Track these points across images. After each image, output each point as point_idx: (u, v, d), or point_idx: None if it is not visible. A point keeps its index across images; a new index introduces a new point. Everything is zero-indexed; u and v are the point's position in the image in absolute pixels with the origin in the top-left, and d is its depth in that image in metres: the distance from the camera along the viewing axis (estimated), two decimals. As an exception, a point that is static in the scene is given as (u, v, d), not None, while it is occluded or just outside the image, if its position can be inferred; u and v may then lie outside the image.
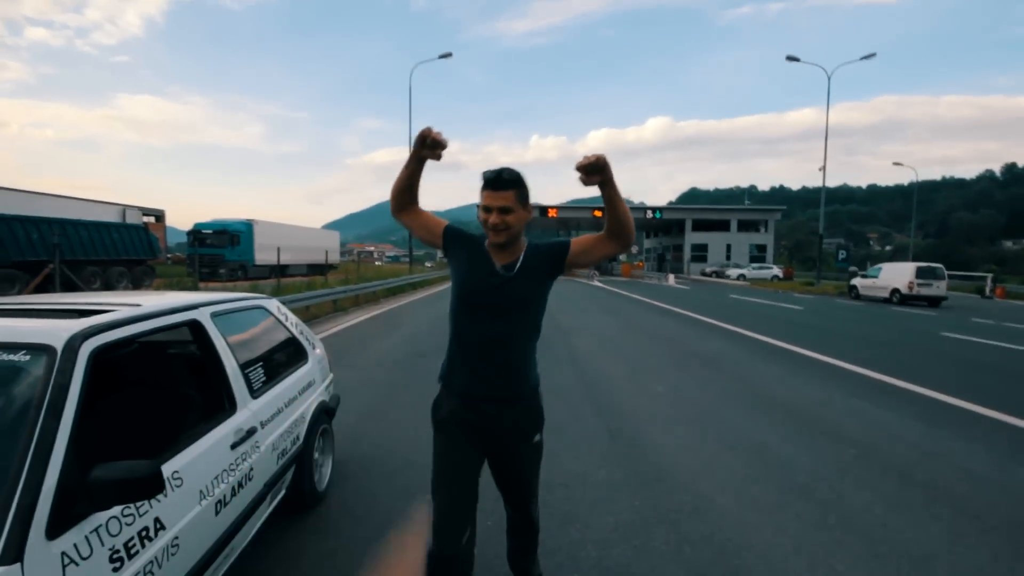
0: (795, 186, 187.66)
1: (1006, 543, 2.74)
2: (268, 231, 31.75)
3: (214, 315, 2.32)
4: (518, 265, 1.77)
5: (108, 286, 20.33)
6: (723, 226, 48.81)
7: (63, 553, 1.22)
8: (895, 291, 19.74)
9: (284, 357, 2.89)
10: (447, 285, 27.38)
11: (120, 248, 21.40)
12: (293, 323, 3.17)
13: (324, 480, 3.19)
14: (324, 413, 3.22)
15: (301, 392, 2.88)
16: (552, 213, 46.12)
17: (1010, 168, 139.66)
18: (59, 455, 1.29)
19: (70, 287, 8.54)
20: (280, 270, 32.08)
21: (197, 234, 29.69)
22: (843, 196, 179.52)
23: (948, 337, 10.90)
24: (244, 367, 2.34)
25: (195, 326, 2.17)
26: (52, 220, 18.58)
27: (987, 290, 26.15)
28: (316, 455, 3.08)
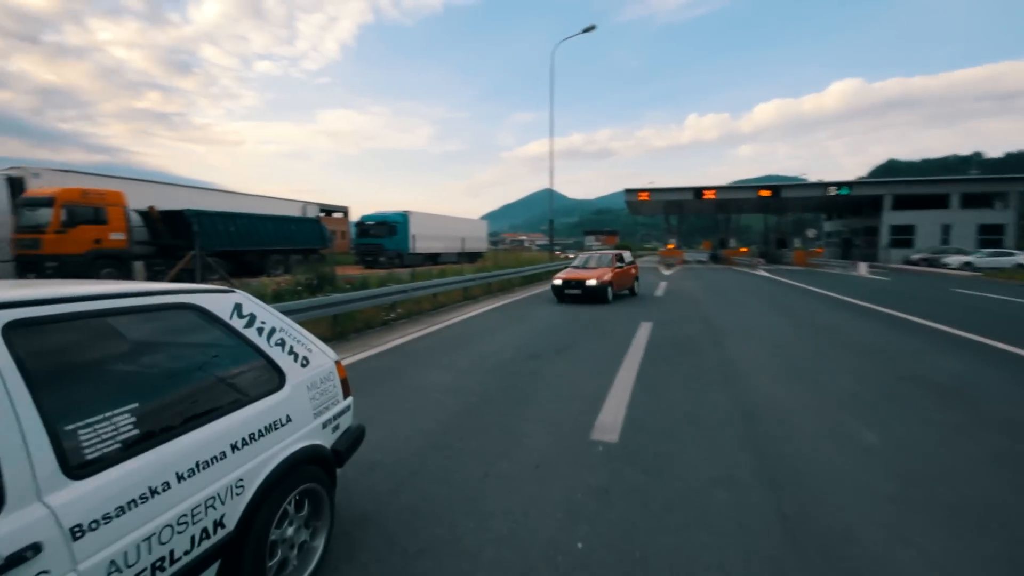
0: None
1: None
2: (422, 221, 33.52)
3: (12, 326, 1.30)
4: None
5: (288, 272, 23.02)
6: (938, 202, 38.92)
7: None
8: None
9: (218, 386, 1.84)
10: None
11: (298, 239, 24.12)
12: (265, 329, 2.12)
13: (306, 570, 2.11)
14: (313, 463, 2.14)
15: (248, 442, 1.81)
16: (708, 195, 41.46)
17: None
18: None
19: (209, 271, 9.30)
20: (432, 258, 33.89)
21: (361, 225, 32.51)
22: None
23: None
24: (60, 417, 1.30)
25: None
26: (243, 215, 21.48)
27: None
28: (288, 532, 2.02)
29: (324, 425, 2.30)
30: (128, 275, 16.19)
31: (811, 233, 43.27)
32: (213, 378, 1.84)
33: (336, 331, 8.24)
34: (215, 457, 1.67)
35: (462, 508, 2.80)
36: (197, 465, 1.60)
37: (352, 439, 2.52)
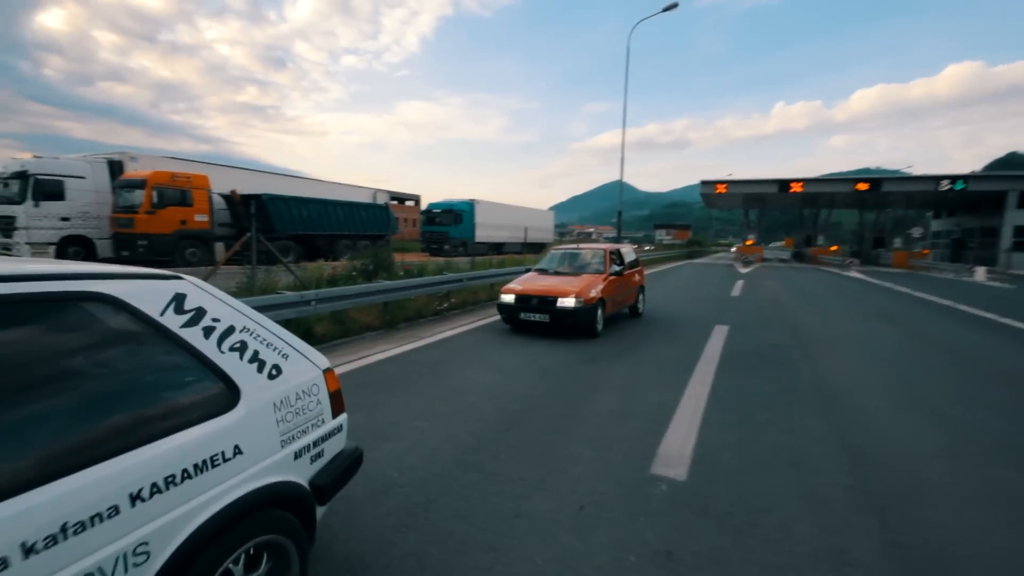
0: None
1: None
2: (488, 211, 33.29)
3: None
4: None
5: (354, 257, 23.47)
6: (1078, 200, 33.44)
7: None
8: None
9: (123, 411, 1.34)
10: (655, 269, 24.47)
11: (367, 224, 24.56)
12: (217, 329, 1.61)
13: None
14: (277, 506, 1.63)
15: (162, 488, 1.31)
16: (796, 188, 38.10)
17: None
18: None
19: (269, 255, 9.41)
20: (497, 248, 33.64)
21: (428, 213, 32.76)
22: None
23: None
24: None
25: None
26: (315, 200, 22.07)
27: None
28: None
29: (297, 455, 1.78)
30: (210, 255, 17.02)
31: (916, 232, 38.69)
32: (116, 399, 1.34)
33: (386, 319, 7.94)
34: (98, 515, 1.18)
35: (479, 562, 2.22)
36: (63, 529, 1.11)
37: (341, 469, 1.99)
